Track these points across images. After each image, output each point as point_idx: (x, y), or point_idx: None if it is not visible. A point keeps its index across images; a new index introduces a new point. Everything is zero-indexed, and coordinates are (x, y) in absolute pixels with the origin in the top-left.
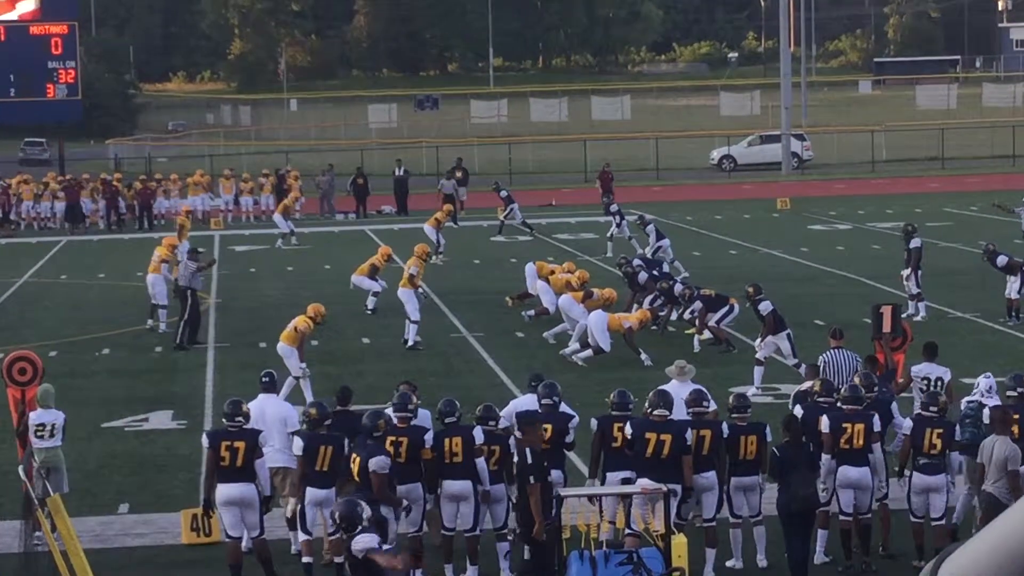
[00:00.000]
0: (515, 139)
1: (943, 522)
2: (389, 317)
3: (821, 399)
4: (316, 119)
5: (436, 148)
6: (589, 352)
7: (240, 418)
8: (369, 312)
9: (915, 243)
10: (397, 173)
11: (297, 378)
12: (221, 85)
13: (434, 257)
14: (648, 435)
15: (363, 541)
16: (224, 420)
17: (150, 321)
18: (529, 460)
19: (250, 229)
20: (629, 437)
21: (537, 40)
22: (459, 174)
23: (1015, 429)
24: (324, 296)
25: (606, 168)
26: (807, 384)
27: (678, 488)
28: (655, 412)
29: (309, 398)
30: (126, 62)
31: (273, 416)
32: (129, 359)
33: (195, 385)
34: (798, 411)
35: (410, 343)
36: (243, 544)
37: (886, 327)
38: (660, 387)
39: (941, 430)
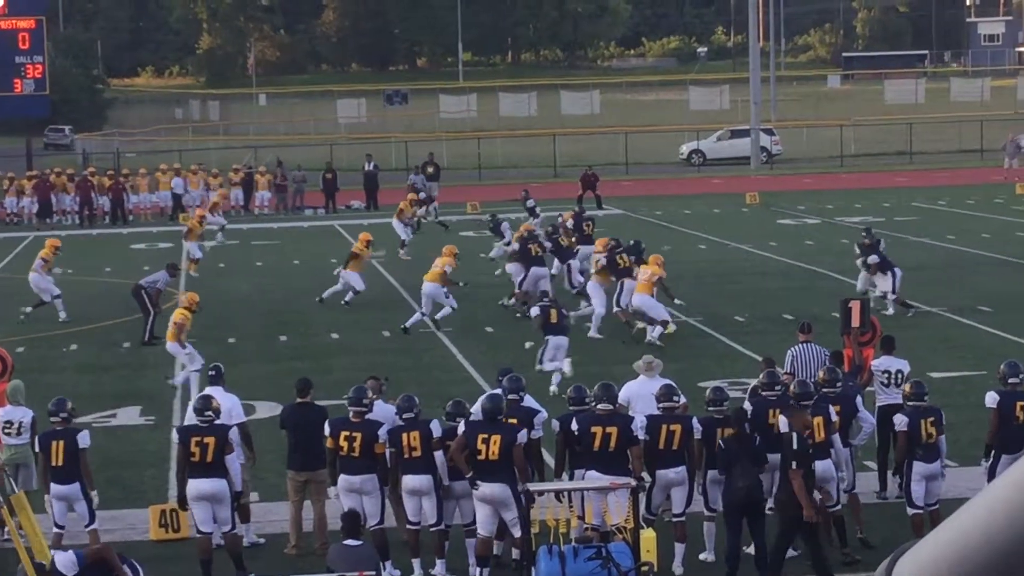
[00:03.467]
0: (484, 134)
1: (937, 506)
2: (359, 312)
3: (766, 392)
4: (285, 114)
5: (405, 143)
6: (659, 329)
7: (210, 413)
8: (344, 304)
9: (874, 258)
10: (366, 168)
11: (197, 370)
12: (190, 80)
13: (400, 252)
14: (594, 429)
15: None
16: (194, 415)
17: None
18: (795, 445)
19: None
20: (575, 433)
21: (506, 35)
22: (430, 169)
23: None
24: (293, 291)
25: (588, 170)
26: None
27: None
28: (599, 406)
29: (194, 391)
30: (94, 57)
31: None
32: (97, 355)
33: (163, 381)
34: (747, 406)
35: (407, 325)
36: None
37: (855, 322)
38: (605, 381)
39: (933, 418)
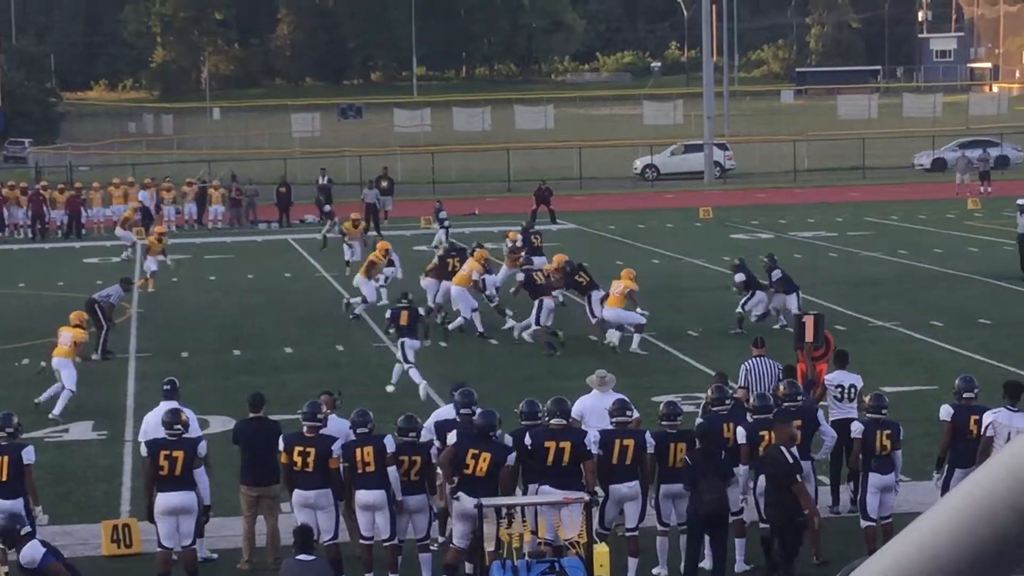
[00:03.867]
0: (438, 148)
1: (890, 520)
2: (313, 326)
3: (716, 407)
4: (239, 128)
5: (359, 157)
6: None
7: (179, 426)
8: (352, 318)
9: (776, 274)
10: (321, 181)
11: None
12: (143, 94)
13: (347, 271)
14: (548, 444)
15: (29, 553)
16: (163, 429)
17: None
18: (790, 460)
19: (172, 239)
20: (529, 447)
21: (460, 49)
22: (384, 183)
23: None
24: (247, 305)
25: (542, 184)
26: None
27: (600, 495)
28: (552, 421)
29: (58, 410)
30: (47, 70)
31: None
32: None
33: (116, 396)
34: (699, 421)
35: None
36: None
37: (808, 336)
38: (558, 396)
39: (889, 431)
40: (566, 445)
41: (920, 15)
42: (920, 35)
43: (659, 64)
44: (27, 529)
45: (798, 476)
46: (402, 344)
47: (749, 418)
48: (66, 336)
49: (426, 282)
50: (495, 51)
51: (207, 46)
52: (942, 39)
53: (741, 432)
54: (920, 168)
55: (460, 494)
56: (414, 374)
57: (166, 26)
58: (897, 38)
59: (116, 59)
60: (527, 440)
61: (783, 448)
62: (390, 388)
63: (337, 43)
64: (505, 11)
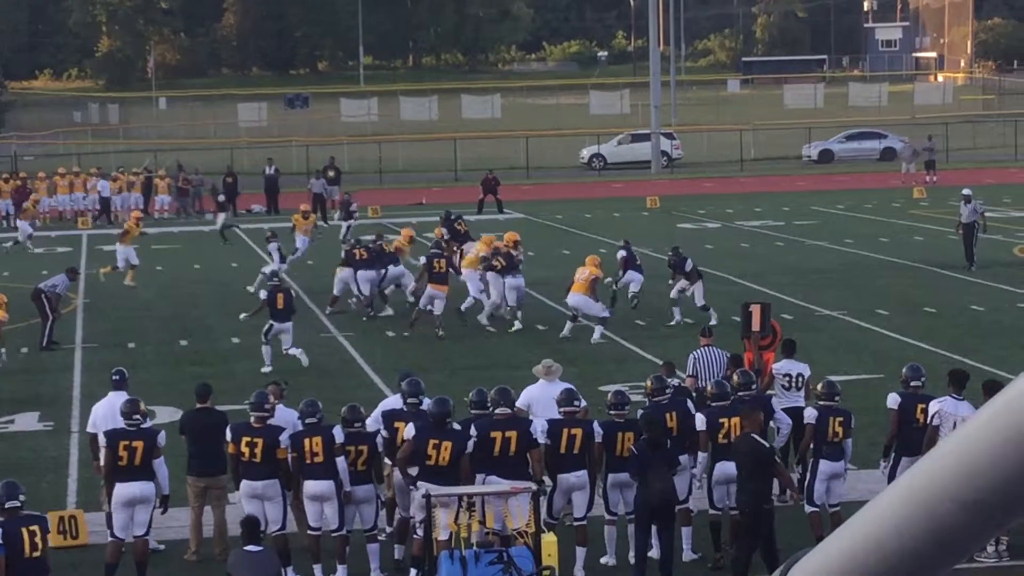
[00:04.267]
0: (385, 138)
1: (839, 508)
2: (260, 317)
3: (656, 397)
4: (185, 118)
5: (306, 147)
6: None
7: (138, 416)
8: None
9: (689, 264)
10: (267, 172)
11: None
12: (89, 83)
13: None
14: (493, 434)
15: None
16: (121, 419)
17: None
18: (766, 446)
19: (119, 228)
20: (474, 438)
21: (407, 39)
22: (331, 173)
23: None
24: (194, 296)
25: (489, 174)
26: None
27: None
28: (497, 411)
29: None
30: None
31: None
32: None
33: (62, 386)
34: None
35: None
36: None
37: (755, 326)
38: (503, 386)
39: (842, 418)
40: (512, 435)
41: (866, 4)
42: (866, 24)
43: (606, 53)
44: None
45: (776, 459)
46: (270, 327)
47: (705, 407)
48: None
49: (343, 273)
50: (442, 40)
51: (153, 35)
52: (888, 28)
53: (700, 419)
54: (808, 159)
55: (422, 484)
56: (295, 351)
57: (111, 15)
58: (843, 27)
59: (61, 48)
60: (472, 431)
61: (755, 435)
62: (266, 369)
63: (284, 33)
64: (451, 1)
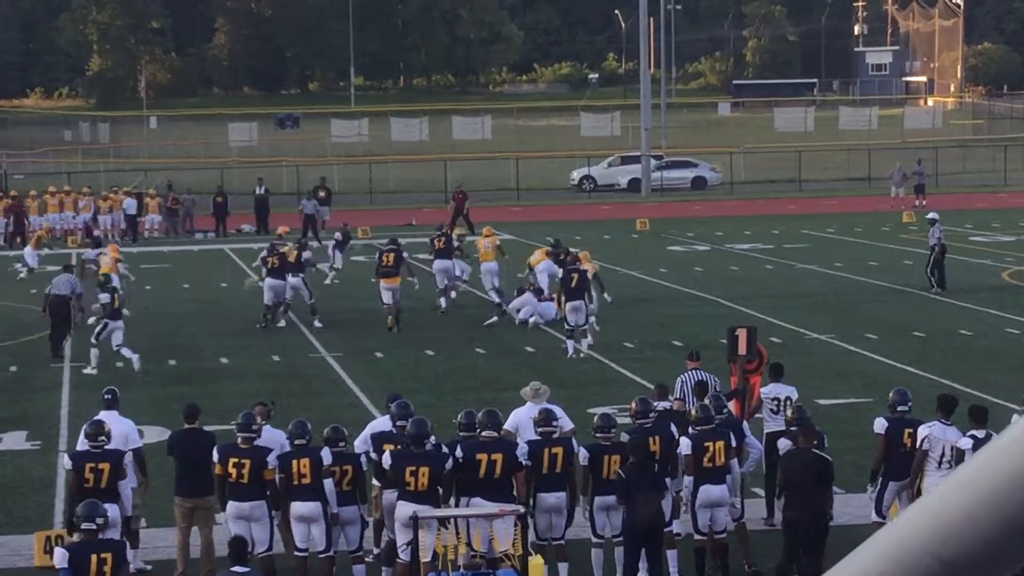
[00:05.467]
0: (376, 158)
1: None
2: (248, 337)
3: (639, 420)
4: (176, 137)
5: (296, 167)
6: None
7: (103, 438)
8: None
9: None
10: (257, 192)
11: None
12: (80, 102)
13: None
14: (479, 456)
15: None
16: (86, 441)
17: None
18: (827, 458)
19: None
20: (460, 460)
21: (398, 60)
22: (322, 193)
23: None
24: (184, 315)
25: (457, 191)
26: (659, 404)
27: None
28: (484, 433)
29: None
30: None
31: (115, 433)
32: None
33: (50, 405)
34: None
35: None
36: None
37: (741, 349)
38: (490, 408)
39: (815, 441)
40: (498, 457)
41: (856, 29)
42: (856, 49)
43: (597, 76)
44: None
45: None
46: (105, 324)
47: (692, 430)
48: None
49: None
50: (433, 62)
51: (144, 55)
52: (878, 53)
53: (685, 443)
54: (572, 186)
55: (400, 502)
56: (126, 352)
57: (103, 34)
58: (833, 51)
59: (52, 67)
60: (458, 452)
61: (815, 450)
62: (90, 371)
63: (274, 53)
64: (443, 22)
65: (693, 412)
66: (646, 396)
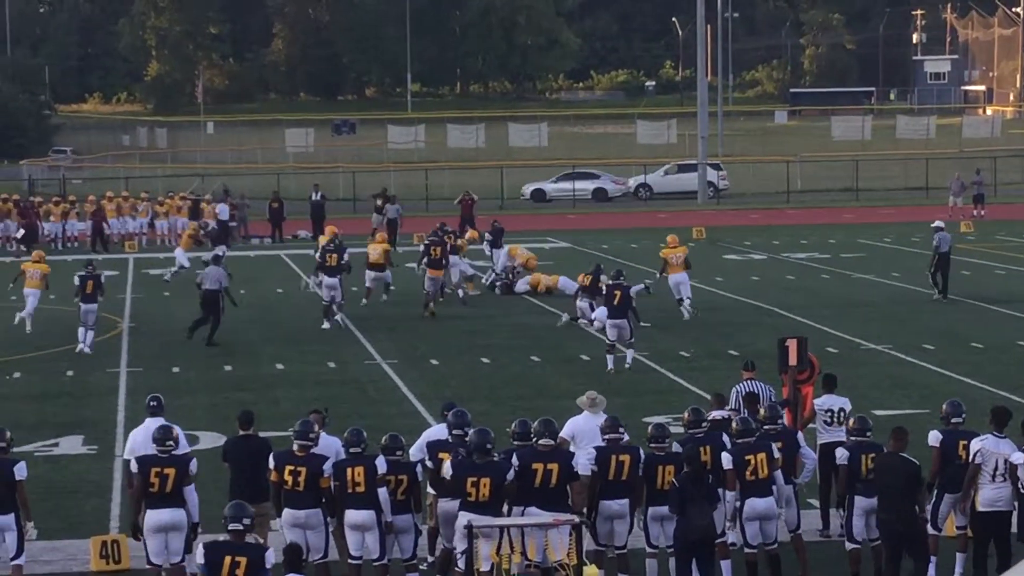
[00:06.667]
0: (432, 164)
1: (879, 542)
2: (304, 343)
3: (691, 429)
4: (233, 142)
5: (353, 173)
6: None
7: (170, 443)
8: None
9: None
10: (314, 198)
11: None
12: (137, 107)
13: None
14: (535, 465)
15: None
16: (154, 445)
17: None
18: (916, 463)
19: (164, 252)
20: (516, 468)
21: (455, 66)
22: (379, 202)
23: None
24: (239, 321)
25: (467, 196)
26: (715, 413)
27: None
28: (540, 442)
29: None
30: (41, 82)
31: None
32: (41, 383)
33: (106, 410)
34: (675, 447)
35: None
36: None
37: (792, 360)
38: (546, 417)
39: (874, 454)
40: (553, 467)
41: (915, 37)
42: (914, 57)
43: (653, 83)
44: None
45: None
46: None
47: (733, 443)
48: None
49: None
50: (489, 68)
51: (202, 60)
52: (936, 61)
53: (727, 458)
54: (523, 198)
55: (462, 512)
56: (89, 337)
57: (161, 40)
58: (891, 60)
59: (110, 72)
60: (514, 461)
61: (903, 455)
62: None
63: (332, 59)
64: (500, 28)
65: (734, 425)
66: (699, 406)
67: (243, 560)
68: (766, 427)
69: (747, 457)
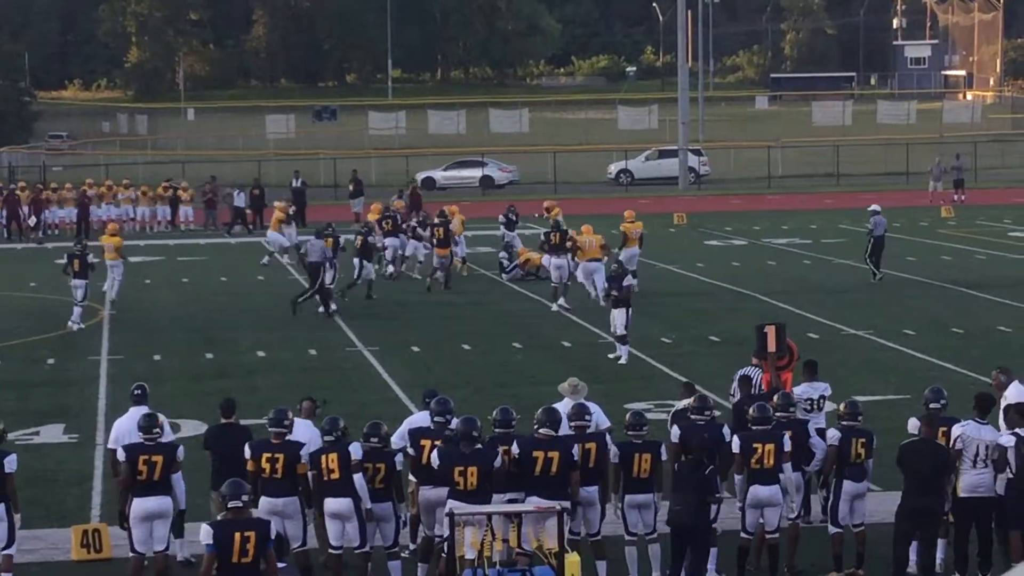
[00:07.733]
0: (413, 151)
1: (863, 528)
2: (285, 330)
3: (694, 415)
4: (213, 129)
5: (334, 160)
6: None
7: (157, 431)
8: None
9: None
10: (294, 184)
11: None
12: (118, 93)
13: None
14: (536, 453)
15: None
16: (140, 433)
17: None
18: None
19: (145, 240)
20: (516, 456)
21: (436, 52)
22: (351, 186)
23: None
24: (219, 307)
25: (415, 185)
26: (684, 402)
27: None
28: (541, 430)
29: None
30: (21, 69)
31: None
32: (21, 371)
33: (88, 398)
34: (675, 432)
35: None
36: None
37: (770, 346)
38: (549, 405)
39: (864, 439)
40: (554, 455)
41: (895, 22)
42: (895, 42)
43: (634, 69)
44: None
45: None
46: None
47: (742, 429)
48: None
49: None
50: (470, 54)
51: (182, 46)
52: (917, 46)
53: (736, 442)
54: (609, 179)
55: (450, 501)
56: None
57: (141, 26)
58: (872, 45)
59: (91, 58)
60: (514, 449)
61: (935, 441)
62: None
63: (312, 45)
64: (480, 14)
65: (751, 411)
66: (704, 393)
67: (252, 534)
68: (777, 415)
69: (755, 445)
